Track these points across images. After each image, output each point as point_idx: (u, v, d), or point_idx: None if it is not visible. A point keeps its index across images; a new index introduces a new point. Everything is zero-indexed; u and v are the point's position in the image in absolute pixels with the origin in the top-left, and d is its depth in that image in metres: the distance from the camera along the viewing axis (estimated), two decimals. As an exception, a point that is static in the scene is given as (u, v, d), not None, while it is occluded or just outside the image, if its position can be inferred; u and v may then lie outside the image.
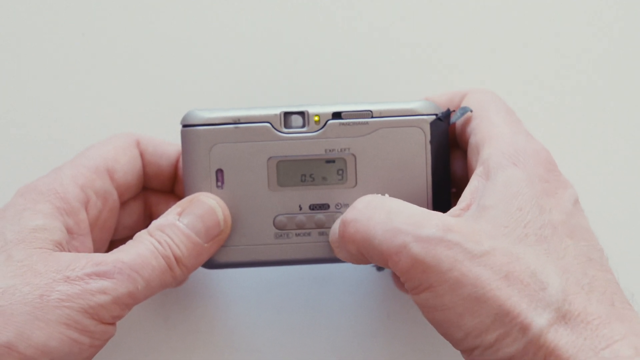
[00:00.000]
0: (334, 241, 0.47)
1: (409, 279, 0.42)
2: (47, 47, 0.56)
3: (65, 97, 0.56)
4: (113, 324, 0.44)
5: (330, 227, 0.48)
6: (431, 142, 0.48)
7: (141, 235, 0.45)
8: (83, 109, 0.56)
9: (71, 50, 0.56)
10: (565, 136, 0.57)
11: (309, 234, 0.48)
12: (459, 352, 0.42)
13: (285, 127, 0.48)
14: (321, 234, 0.48)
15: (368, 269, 0.55)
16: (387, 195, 0.46)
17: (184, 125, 0.48)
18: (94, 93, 0.56)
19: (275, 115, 0.48)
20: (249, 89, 0.56)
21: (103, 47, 0.56)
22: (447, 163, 0.49)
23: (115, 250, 0.44)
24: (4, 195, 0.50)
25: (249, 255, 0.48)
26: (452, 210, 0.43)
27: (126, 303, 0.43)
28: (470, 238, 0.41)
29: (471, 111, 0.48)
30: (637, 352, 0.38)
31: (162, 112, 0.56)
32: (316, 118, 0.48)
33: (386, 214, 0.43)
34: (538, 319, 0.39)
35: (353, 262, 0.46)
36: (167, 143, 0.52)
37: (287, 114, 0.48)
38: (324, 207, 0.48)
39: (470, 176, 0.45)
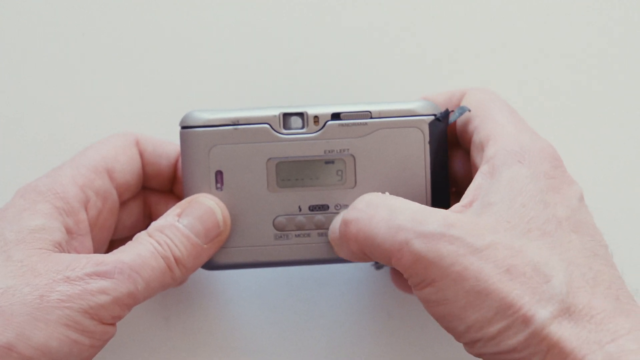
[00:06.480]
0: (334, 239, 0.47)
1: (412, 275, 0.42)
2: (47, 47, 0.56)
3: (65, 97, 0.56)
4: (113, 324, 0.44)
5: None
6: (430, 142, 0.48)
7: (141, 236, 0.45)
8: (83, 109, 0.56)
9: (71, 50, 0.56)
10: (567, 135, 0.57)
11: (308, 235, 0.48)
12: (459, 350, 0.42)
13: (285, 128, 0.48)
14: (321, 234, 0.48)
15: (367, 269, 0.55)
16: (387, 193, 0.46)
17: (183, 127, 0.48)
18: (94, 93, 0.56)
19: (275, 116, 0.48)
20: (248, 89, 0.56)
21: (103, 47, 0.56)
22: (446, 163, 0.49)
23: (115, 251, 0.44)
24: (3, 195, 0.50)
25: (248, 256, 0.48)
26: (455, 206, 0.44)
27: (126, 303, 0.43)
28: (472, 233, 0.41)
29: (469, 110, 0.48)
30: None
31: (162, 112, 0.56)
32: (315, 119, 0.48)
33: (388, 212, 0.43)
34: (541, 312, 0.39)
35: (353, 260, 0.46)
36: (167, 142, 0.51)
37: (286, 115, 0.48)
38: (323, 208, 0.48)
39: (474, 174, 0.45)
